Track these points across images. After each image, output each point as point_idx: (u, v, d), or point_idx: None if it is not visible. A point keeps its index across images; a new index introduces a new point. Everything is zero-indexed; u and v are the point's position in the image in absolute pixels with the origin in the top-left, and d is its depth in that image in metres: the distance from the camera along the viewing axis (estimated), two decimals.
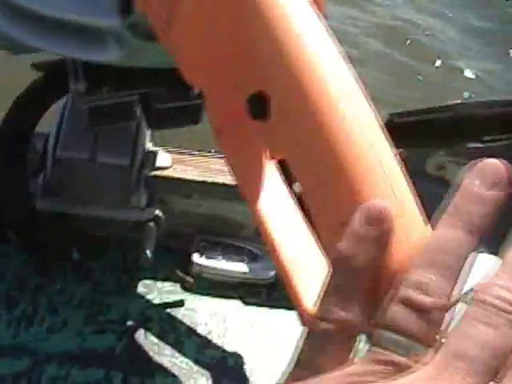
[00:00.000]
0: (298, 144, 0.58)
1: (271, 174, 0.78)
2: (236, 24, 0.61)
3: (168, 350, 1.31)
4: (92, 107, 1.17)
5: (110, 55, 0.90)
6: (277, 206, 0.76)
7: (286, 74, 0.57)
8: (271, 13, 0.58)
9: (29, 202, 1.19)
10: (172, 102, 1.21)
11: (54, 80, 1.15)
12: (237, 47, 0.62)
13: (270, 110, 0.59)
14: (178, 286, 1.42)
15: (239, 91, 0.65)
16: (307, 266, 0.72)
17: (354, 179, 0.53)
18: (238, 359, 1.32)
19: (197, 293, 1.42)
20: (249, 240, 1.49)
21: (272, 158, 0.67)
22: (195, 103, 1.21)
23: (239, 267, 1.45)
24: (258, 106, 0.60)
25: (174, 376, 1.27)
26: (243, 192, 0.79)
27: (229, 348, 1.34)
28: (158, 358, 1.29)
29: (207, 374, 1.29)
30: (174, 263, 1.46)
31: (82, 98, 1.16)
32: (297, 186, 0.90)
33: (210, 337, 1.35)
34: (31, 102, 1.16)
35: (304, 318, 0.68)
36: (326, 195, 0.55)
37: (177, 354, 1.30)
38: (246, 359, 1.33)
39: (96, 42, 0.90)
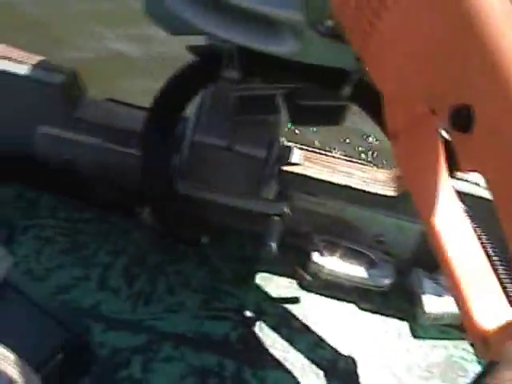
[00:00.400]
0: (501, 159, 0.57)
1: (448, 188, 0.77)
2: (444, 37, 0.60)
3: (281, 344, 1.31)
4: (241, 96, 1.18)
5: (286, 48, 0.90)
6: (451, 221, 0.76)
7: (497, 89, 0.56)
8: (486, 28, 0.57)
9: (169, 181, 1.21)
10: (317, 100, 1.21)
11: (208, 65, 1.16)
12: (443, 59, 0.61)
13: (474, 122, 0.58)
14: (294, 283, 1.42)
15: (435, 101, 0.64)
16: (482, 286, 0.71)
17: None
18: (349, 362, 1.31)
19: (312, 291, 1.42)
20: (368, 246, 1.48)
21: (464, 169, 0.66)
22: (340, 105, 1.21)
23: (357, 272, 1.44)
24: (464, 119, 0.59)
25: (286, 371, 1.27)
26: (415, 198, 0.78)
27: (341, 350, 1.33)
28: (270, 352, 1.29)
29: (318, 373, 1.28)
30: (291, 260, 1.46)
31: (231, 86, 1.17)
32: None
33: (322, 336, 1.34)
34: (185, 84, 1.17)
35: (476, 338, 0.67)
36: None
37: (289, 350, 1.30)
38: (357, 364, 1.32)
39: (274, 34, 0.91)
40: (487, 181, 0.60)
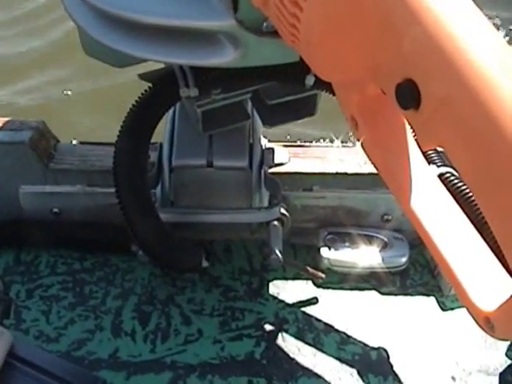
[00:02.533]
0: (457, 129, 0.53)
1: (420, 164, 0.73)
2: (375, 15, 0.56)
3: (308, 349, 1.27)
4: (205, 111, 1.15)
5: (227, 58, 0.86)
6: (429, 199, 0.72)
7: (436, 59, 0.52)
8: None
9: (153, 215, 1.17)
10: (285, 96, 1.17)
11: (163, 89, 1.13)
12: (378, 38, 0.57)
13: (420, 97, 0.54)
14: (309, 283, 1.39)
15: (382, 81, 0.60)
16: (476, 266, 0.67)
17: None
18: (380, 352, 1.27)
19: (329, 288, 1.38)
20: (376, 227, 1.44)
21: (425, 147, 0.61)
22: (310, 94, 1.17)
23: (370, 257, 1.40)
24: (408, 95, 0.55)
25: (318, 375, 1.23)
26: (390, 183, 0.74)
27: (370, 341, 1.29)
28: (298, 359, 1.26)
29: (351, 370, 1.25)
30: (301, 260, 1.43)
31: (193, 104, 1.14)
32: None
33: (348, 332, 1.31)
34: (144, 116, 1.14)
35: (480, 319, 0.63)
36: (504, 186, 0.50)
37: (317, 353, 1.27)
38: (389, 351, 1.28)
39: (211, 47, 0.87)
40: (449, 154, 0.56)
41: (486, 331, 0.63)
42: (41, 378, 1.02)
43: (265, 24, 0.82)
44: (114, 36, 0.91)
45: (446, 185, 0.79)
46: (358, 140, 0.77)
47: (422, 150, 0.75)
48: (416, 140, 0.74)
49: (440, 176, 0.82)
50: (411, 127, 0.60)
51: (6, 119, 1.42)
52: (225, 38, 0.86)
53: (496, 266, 0.66)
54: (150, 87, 1.15)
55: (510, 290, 0.56)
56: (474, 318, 0.64)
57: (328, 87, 1.13)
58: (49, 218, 1.42)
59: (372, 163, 0.77)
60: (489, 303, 0.62)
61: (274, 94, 1.17)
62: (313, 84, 1.10)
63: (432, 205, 0.71)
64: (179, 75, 1.06)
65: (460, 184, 0.96)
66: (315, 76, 1.08)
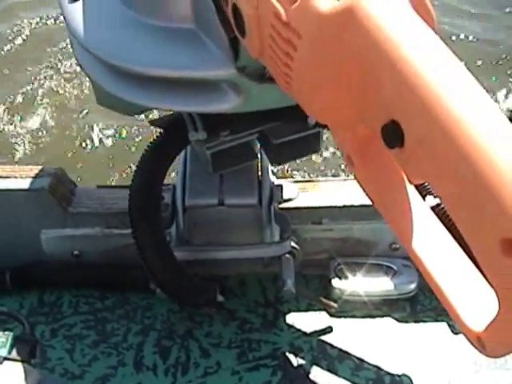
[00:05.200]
0: (436, 166, 0.58)
1: (414, 198, 0.78)
2: (356, 63, 0.62)
3: (323, 376, 1.31)
4: (214, 153, 1.20)
5: (230, 104, 0.92)
6: (425, 231, 0.76)
7: (413, 102, 0.57)
8: (389, 45, 0.59)
9: (168, 254, 1.22)
10: (290, 135, 1.23)
11: (173, 134, 1.19)
12: (360, 83, 0.63)
13: (404, 136, 0.60)
14: (322, 313, 1.43)
15: (368, 123, 0.66)
16: (466, 288, 0.72)
17: (501, 193, 0.52)
18: (394, 377, 1.31)
19: (341, 316, 1.42)
20: (385, 256, 1.48)
21: (413, 182, 0.67)
22: (314, 132, 1.22)
23: (380, 285, 1.44)
24: (393, 135, 0.60)
25: None
26: (386, 218, 0.79)
27: (383, 367, 1.33)
28: None
29: None
30: (314, 291, 1.47)
31: (202, 146, 1.20)
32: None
33: (363, 358, 1.34)
34: (156, 159, 1.20)
35: (473, 340, 0.67)
36: (476, 212, 0.55)
37: (332, 380, 1.30)
38: (401, 376, 1.31)
39: (214, 94, 0.93)
40: (432, 187, 0.61)
41: (478, 350, 0.67)
42: None
43: (266, 70, 0.88)
44: (123, 87, 0.98)
45: (443, 213, 0.84)
46: (355, 178, 0.82)
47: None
48: None
49: (437, 206, 0.86)
50: (399, 166, 0.65)
51: (25, 167, 1.48)
52: (227, 86, 0.92)
53: (486, 288, 0.71)
54: (161, 132, 1.21)
55: (496, 311, 0.61)
56: (467, 339, 0.68)
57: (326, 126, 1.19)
58: (70, 260, 1.48)
59: (370, 199, 0.82)
60: (479, 323, 0.66)
61: (279, 134, 1.22)
62: (315, 123, 1.16)
63: (424, 236, 0.76)
64: (188, 120, 1.12)
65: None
66: None
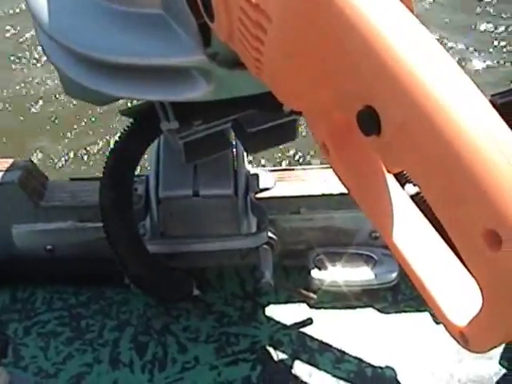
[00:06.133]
0: (414, 153, 0.55)
1: (392, 187, 0.75)
2: (332, 45, 0.58)
3: (303, 369, 1.29)
4: (187, 142, 1.17)
5: (200, 92, 0.88)
6: (404, 221, 0.74)
7: (391, 86, 0.54)
8: (365, 26, 0.56)
9: (140, 248, 1.19)
10: (265, 123, 1.19)
11: (145, 123, 1.15)
12: (335, 68, 0.60)
13: (380, 123, 0.56)
14: (301, 305, 1.40)
15: (344, 109, 0.62)
16: (448, 281, 0.69)
17: (484, 181, 0.49)
18: (376, 369, 1.28)
19: (321, 308, 1.40)
20: (364, 245, 1.46)
21: (388, 171, 0.64)
22: (289, 120, 1.19)
23: (361, 275, 1.41)
24: (369, 122, 0.57)
25: None
26: (364, 207, 0.76)
27: (365, 358, 1.30)
28: (294, 380, 1.27)
29: None
30: (293, 282, 1.44)
31: (175, 136, 1.16)
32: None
33: (343, 350, 1.32)
34: (128, 150, 1.16)
35: (456, 335, 0.65)
36: (458, 203, 0.52)
37: (313, 373, 1.28)
38: (383, 368, 1.29)
39: (184, 82, 0.89)
40: (410, 176, 0.58)
41: (461, 345, 0.65)
42: None
43: (228, 57, 0.84)
44: (90, 76, 0.94)
45: (423, 202, 0.81)
46: (331, 166, 0.79)
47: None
48: None
49: (417, 194, 0.83)
50: (376, 153, 0.62)
51: None
52: (197, 73, 0.88)
53: (469, 281, 0.68)
54: (132, 122, 1.17)
55: (479, 305, 0.58)
56: (450, 334, 0.66)
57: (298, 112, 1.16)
58: (43, 255, 1.44)
59: (346, 188, 0.79)
60: (462, 318, 0.64)
61: (253, 122, 1.19)
62: (290, 110, 1.12)
63: (404, 226, 0.73)
64: (159, 109, 1.09)
65: None
66: None
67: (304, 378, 1.28)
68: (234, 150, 1.36)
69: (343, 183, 0.79)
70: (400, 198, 0.77)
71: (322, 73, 0.62)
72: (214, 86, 0.89)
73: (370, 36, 0.54)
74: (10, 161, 1.44)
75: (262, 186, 1.39)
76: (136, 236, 1.20)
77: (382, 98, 0.56)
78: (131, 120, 1.18)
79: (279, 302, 1.42)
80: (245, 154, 1.36)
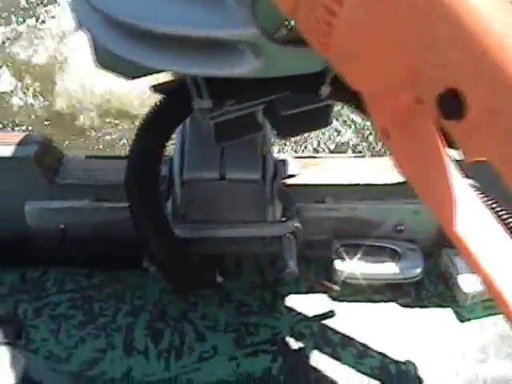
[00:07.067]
0: (506, 140, 0.50)
1: (455, 174, 0.71)
2: (417, 23, 0.54)
3: (325, 363, 1.25)
4: (218, 123, 1.12)
5: (247, 68, 0.84)
6: (468, 210, 0.69)
7: (486, 68, 0.49)
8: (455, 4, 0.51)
9: (168, 231, 1.14)
10: (299, 106, 1.15)
11: (176, 101, 1.10)
12: (418, 45, 0.55)
13: (466, 107, 0.52)
14: (323, 296, 1.36)
15: (422, 91, 0.58)
16: None
17: None
18: (399, 365, 1.25)
19: (343, 300, 1.36)
20: (389, 238, 1.41)
21: (469, 158, 0.59)
22: (324, 105, 1.14)
23: (384, 268, 1.37)
24: (452, 105, 0.52)
25: None
26: (425, 197, 0.72)
27: (389, 353, 1.27)
28: (317, 374, 1.23)
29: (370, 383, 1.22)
30: (314, 273, 1.40)
31: (206, 116, 1.11)
32: None
33: (366, 344, 1.28)
34: (157, 127, 1.11)
35: None
36: None
37: (335, 367, 1.24)
38: (407, 363, 1.25)
39: (230, 56, 0.84)
40: (495, 166, 0.53)
41: None
42: None
43: (283, 33, 0.79)
44: (129, 46, 0.89)
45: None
46: (390, 153, 0.74)
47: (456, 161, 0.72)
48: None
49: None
50: (453, 138, 0.57)
51: (10, 133, 1.39)
52: (245, 47, 0.83)
53: None
54: (161, 99, 1.12)
55: None
56: None
57: (343, 98, 1.11)
58: (56, 234, 1.39)
59: (404, 175, 0.74)
60: None
61: (287, 105, 1.15)
62: (327, 95, 1.08)
63: (469, 218, 0.69)
64: (192, 87, 1.04)
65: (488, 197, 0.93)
66: (331, 86, 1.05)
67: (326, 373, 1.24)
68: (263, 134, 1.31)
69: (402, 171, 0.75)
70: (463, 186, 0.72)
71: (404, 51, 0.57)
72: (262, 63, 0.84)
73: (461, 9, 0.50)
74: (25, 135, 1.40)
75: (288, 172, 1.35)
76: (163, 218, 1.16)
77: (473, 80, 0.51)
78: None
79: (300, 293, 1.38)
80: (273, 139, 1.32)
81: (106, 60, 1.01)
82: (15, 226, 1.39)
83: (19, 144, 1.35)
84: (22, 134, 1.39)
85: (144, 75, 1.05)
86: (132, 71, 1.02)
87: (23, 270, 1.41)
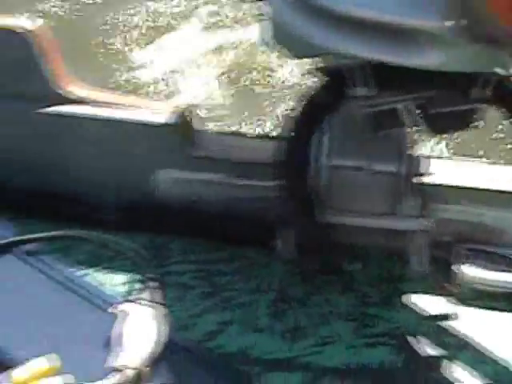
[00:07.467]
0: None
1: None
2: None
3: (441, 364, 1.24)
4: (375, 112, 1.14)
5: (430, 60, 0.85)
6: None
7: None
8: None
9: (313, 213, 1.16)
10: (449, 106, 1.15)
11: (338, 84, 1.12)
12: None
13: None
14: (443, 298, 1.35)
15: None
16: None
17: None
18: None
19: (463, 304, 1.35)
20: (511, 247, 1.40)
21: None
22: (471, 108, 1.15)
23: (504, 277, 1.36)
24: None
25: None
26: None
27: (505, 364, 1.25)
28: (430, 374, 1.23)
29: None
30: (437, 274, 1.40)
31: (362, 104, 1.13)
32: None
33: (483, 351, 1.27)
34: (317, 107, 1.13)
35: None
36: None
37: (451, 369, 1.23)
38: None
39: (415, 46, 0.86)
40: None
41: None
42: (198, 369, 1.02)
43: (482, 31, 0.80)
44: (312, 27, 0.91)
45: None
46: None
47: None
48: None
49: None
50: None
51: (151, 101, 1.42)
52: (435, 40, 0.84)
53: None
54: (322, 83, 1.14)
55: None
56: None
57: (504, 104, 1.12)
58: (186, 205, 1.41)
59: None
60: None
61: (440, 103, 1.15)
62: (477, 98, 1.08)
63: None
64: (359, 74, 1.05)
65: None
66: (494, 90, 1.06)
67: (442, 373, 1.24)
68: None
69: None
70: None
71: None
72: (446, 57, 0.86)
73: None
74: (167, 103, 1.42)
75: (423, 170, 1.35)
76: (310, 200, 1.18)
77: None
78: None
79: (421, 291, 1.37)
80: (412, 135, 1.32)
81: (283, 36, 1.03)
82: (145, 192, 1.42)
83: (160, 112, 1.38)
84: (164, 103, 1.42)
85: (311, 57, 1.08)
86: (302, 52, 1.04)
87: (150, 237, 1.43)
